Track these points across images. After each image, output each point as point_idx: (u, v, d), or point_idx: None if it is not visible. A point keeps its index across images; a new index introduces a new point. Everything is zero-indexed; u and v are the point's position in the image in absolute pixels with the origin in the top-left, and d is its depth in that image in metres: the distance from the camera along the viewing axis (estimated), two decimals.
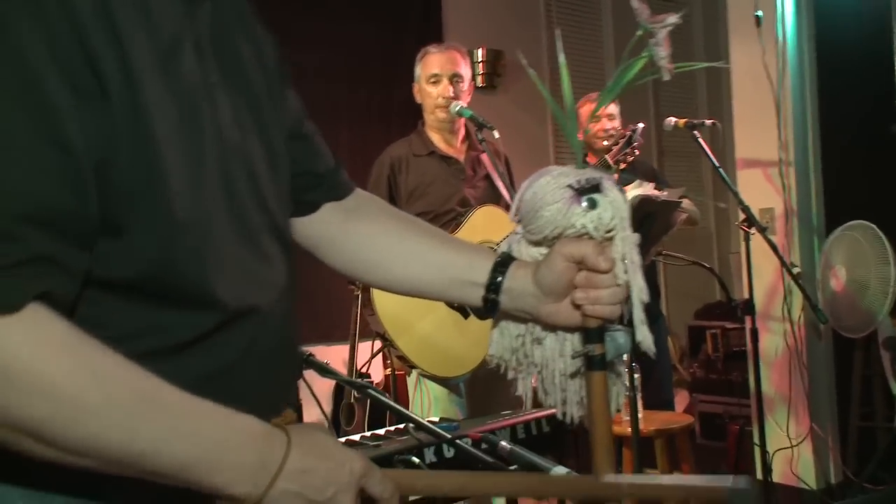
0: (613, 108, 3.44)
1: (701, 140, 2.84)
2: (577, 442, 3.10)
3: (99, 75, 0.60)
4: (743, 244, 3.08)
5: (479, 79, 4.40)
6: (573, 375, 0.90)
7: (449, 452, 1.47)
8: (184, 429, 0.62)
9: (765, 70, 3.46)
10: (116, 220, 0.62)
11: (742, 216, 2.90)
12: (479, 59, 4.39)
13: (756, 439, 3.23)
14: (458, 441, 1.32)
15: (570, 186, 0.83)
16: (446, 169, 2.65)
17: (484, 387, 2.58)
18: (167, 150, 0.65)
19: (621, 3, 5.03)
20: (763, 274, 3.29)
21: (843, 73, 3.63)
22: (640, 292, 0.85)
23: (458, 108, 2.60)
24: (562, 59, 0.93)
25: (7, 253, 0.55)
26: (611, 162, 2.74)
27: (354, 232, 0.97)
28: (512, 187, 2.54)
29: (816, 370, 3.51)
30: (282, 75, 0.91)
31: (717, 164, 2.85)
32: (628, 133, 2.74)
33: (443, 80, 2.65)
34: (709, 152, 2.84)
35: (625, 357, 0.92)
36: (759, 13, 3.45)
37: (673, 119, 2.95)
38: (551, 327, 0.89)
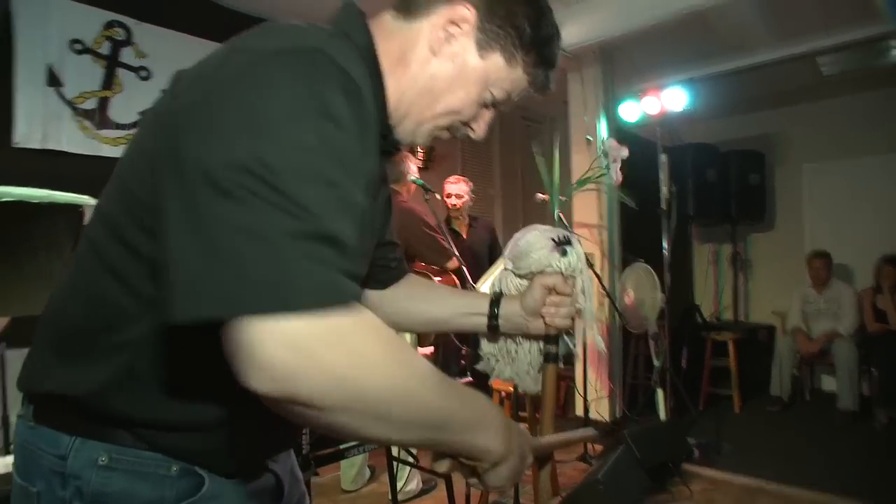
0: (462, 189, 3.10)
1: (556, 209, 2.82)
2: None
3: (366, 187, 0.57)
4: None
5: (421, 162, 4.12)
6: (536, 367, 0.86)
7: None
8: (467, 399, 0.55)
9: (591, 171, 3.45)
10: None
11: None
12: (420, 150, 4.08)
13: (581, 392, 3.33)
14: None
15: (552, 239, 0.83)
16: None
17: None
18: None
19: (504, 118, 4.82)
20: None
21: (634, 176, 3.53)
22: (591, 313, 0.84)
23: (412, 178, 2.56)
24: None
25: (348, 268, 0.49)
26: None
27: (395, 294, 0.89)
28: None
29: (614, 351, 3.60)
30: (389, 210, 0.85)
31: (566, 223, 2.88)
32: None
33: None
34: (562, 217, 2.84)
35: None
36: (589, 137, 3.57)
37: (540, 195, 2.91)
38: (527, 336, 0.85)
